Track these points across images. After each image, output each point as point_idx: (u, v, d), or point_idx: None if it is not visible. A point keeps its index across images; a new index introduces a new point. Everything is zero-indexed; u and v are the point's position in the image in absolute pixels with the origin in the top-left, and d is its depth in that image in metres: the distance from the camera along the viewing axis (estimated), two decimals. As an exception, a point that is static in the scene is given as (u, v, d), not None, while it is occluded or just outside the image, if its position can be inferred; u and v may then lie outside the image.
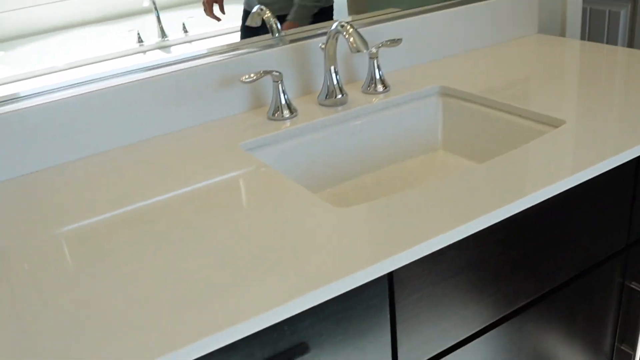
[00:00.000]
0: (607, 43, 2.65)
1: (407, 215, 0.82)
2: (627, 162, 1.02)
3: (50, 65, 1.11)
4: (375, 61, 1.30)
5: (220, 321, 0.65)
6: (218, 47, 1.25)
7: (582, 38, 2.72)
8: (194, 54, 1.23)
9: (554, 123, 1.11)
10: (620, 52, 1.44)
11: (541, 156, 0.96)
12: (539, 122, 1.14)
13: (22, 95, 1.09)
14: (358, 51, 1.13)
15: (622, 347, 1.21)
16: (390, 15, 1.43)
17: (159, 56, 1.21)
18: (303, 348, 0.74)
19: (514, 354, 1.00)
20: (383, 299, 0.78)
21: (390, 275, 0.78)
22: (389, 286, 0.79)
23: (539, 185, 0.87)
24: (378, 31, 1.38)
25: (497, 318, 0.94)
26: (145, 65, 1.18)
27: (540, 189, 0.87)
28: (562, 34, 1.78)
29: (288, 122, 1.19)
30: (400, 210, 0.83)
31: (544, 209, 0.93)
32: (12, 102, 1.07)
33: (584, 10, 2.67)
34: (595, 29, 2.67)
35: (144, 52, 1.20)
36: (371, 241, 0.77)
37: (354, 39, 1.13)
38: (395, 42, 1.32)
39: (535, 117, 1.14)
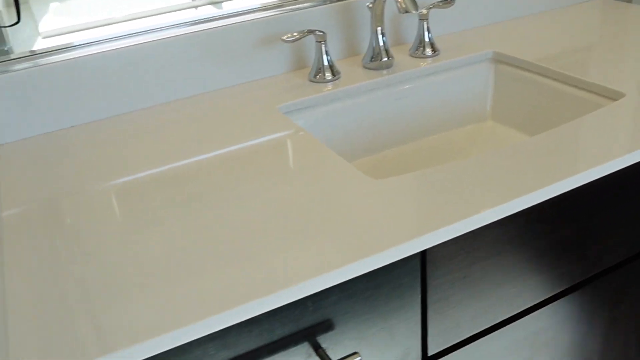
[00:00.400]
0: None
1: (446, 189, 0.77)
2: (691, 141, 0.94)
3: (101, 18, 1.08)
4: (425, 23, 1.24)
5: (240, 294, 0.62)
6: (260, 4, 1.20)
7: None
8: (234, 11, 1.19)
9: (613, 95, 1.03)
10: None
11: (596, 131, 0.89)
12: (596, 94, 1.07)
13: (65, 46, 1.06)
14: (406, 12, 1.06)
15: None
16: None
17: (210, 11, 1.17)
18: (327, 325, 0.71)
19: (550, 339, 0.95)
20: (414, 278, 0.74)
21: (423, 254, 0.74)
22: (422, 265, 0.74)
23: (591, 163, 0.81)
24: (430, -9, 1.31)
25: (536, 302, 0.89)
26: (184, 21, 1.14)
27: (593, 167, 0.81)
28: (630, -1, 1.68)
29: (330, 85, 1.14)
30: (440, 184, 0.79)
31: (597, 187, 0.87)
32: (55, 54, 1.05)
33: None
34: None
35: (196, 7, 1.17)
36: (405, 217, 0.73)
37: (402, -2, 1.07)
38: (447, 2, 1.25)
39: (593, 89, 1.07)
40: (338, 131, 1.13)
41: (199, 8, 1.16)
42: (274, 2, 1.20)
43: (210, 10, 1.16)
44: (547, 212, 0.83)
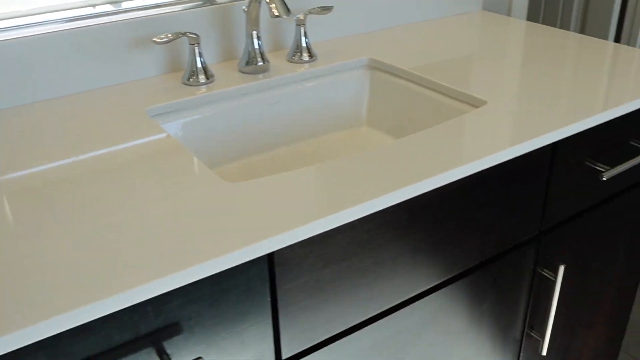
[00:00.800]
0: (560, 26, 2.62)
1: (299, 193, 0.78)
2: (543, 147, 0.98)
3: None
4: (302, 28, 1.24)
5: (67, 301, 0.60)
6: (139, 4, 1.17)
7: (536, 20, 2.69)
8: (108, 10, 1.16)
9: (476, 103, 1.07)
10: (563, 36, 1.40)
11: (453, 137, 0.92)
12: (462, 101, 1.10)
13: None
14: (278, 17, 1.07)
15: (532, 334, 1.19)
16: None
17: (107, 9, 1.13)
18: (172, 331, 0.70)
19: (410, 340, 0.97)
20: (263, 282, 0.74)
21: (270, 257, 0.74)
22: (270, 268, 0.74)
23: (442, 167, 0.83)
24: (309, -3, 1.32)
25: (393, 304, 0.91)
26: (58, 18, 1.10)
27: (443, 172, 0.83)
28: (509, 12, 1.74)
29: (203, 88, 1.13)
30: (294, 187, 0.79)
31: (452, 191, 0.89)
32: None
33: (538, -12, 2.63)
34: (551, 10, 2.64)
35: (94, 5, 1.13)
36: (254, 219, 0.72)
37: (275, 4, 1.07)
38: (326, 9, 1.26)
39: (459, 96, 1.10)
40: (210, 135, 1.12)
41: (96, 6, 1.12)
42: (154, 2, 1.17)
43: (108, 9, 1.13)
44: (400, 215, 0.84)
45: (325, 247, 0.78)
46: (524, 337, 1.19)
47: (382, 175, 0.81)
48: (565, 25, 2.62)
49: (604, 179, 1.05)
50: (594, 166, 1.09)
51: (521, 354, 1.21)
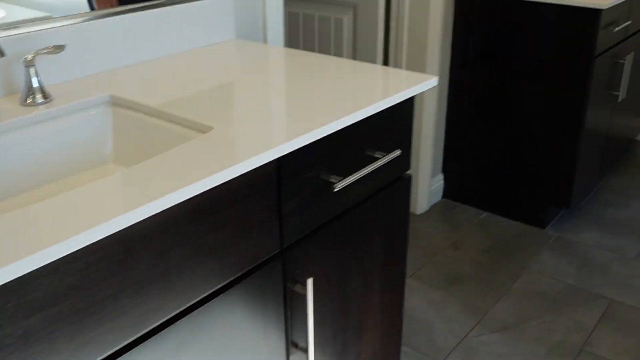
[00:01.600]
0: (335, 48, 2.76)
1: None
2: (268, 164, 1.01)
3: None
4: (32, 69, 1.20)
5: None
6: None
7: (311, 46, 2.81)
8: None
9: (204, 129, 1.08)
10: (321, 59, 1.46)
11: (176, 162, 0.92)
12: (193, 129, 1.11)
13: None
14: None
15: (298, 350, 1.21)
16: (51, 21, 1.33)
17: None
18: None
19: None
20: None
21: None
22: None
23: (150, 196, 0.83)
24: (40, 36, 1.27)
25: (126, 342, 0.88)
26: None
27: (152, 201, 0.82)
28: (265, 40, 1.80)
29: None
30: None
31: (176, 219, 0.89)
32: None
33: (311, 17, 2.76)
34: (324, 35, 2.77)
35: None
36: None
37: (-11, 46, 1.02)
38: (58, 48, 1.22)
39: (190, 125, 1.12)
40: None
41: None
42: None
43: None
44: (114, 250, 0.83)
45: (24, 294, 0.74)
46: (290, 356, 1.21)
47: (88, 210, 0.79)
48: (338, 47, 2.75)
49: (336, 189, 1.10)
50: (327, 179, 1.14)
51: (290, 371, 1.23)
